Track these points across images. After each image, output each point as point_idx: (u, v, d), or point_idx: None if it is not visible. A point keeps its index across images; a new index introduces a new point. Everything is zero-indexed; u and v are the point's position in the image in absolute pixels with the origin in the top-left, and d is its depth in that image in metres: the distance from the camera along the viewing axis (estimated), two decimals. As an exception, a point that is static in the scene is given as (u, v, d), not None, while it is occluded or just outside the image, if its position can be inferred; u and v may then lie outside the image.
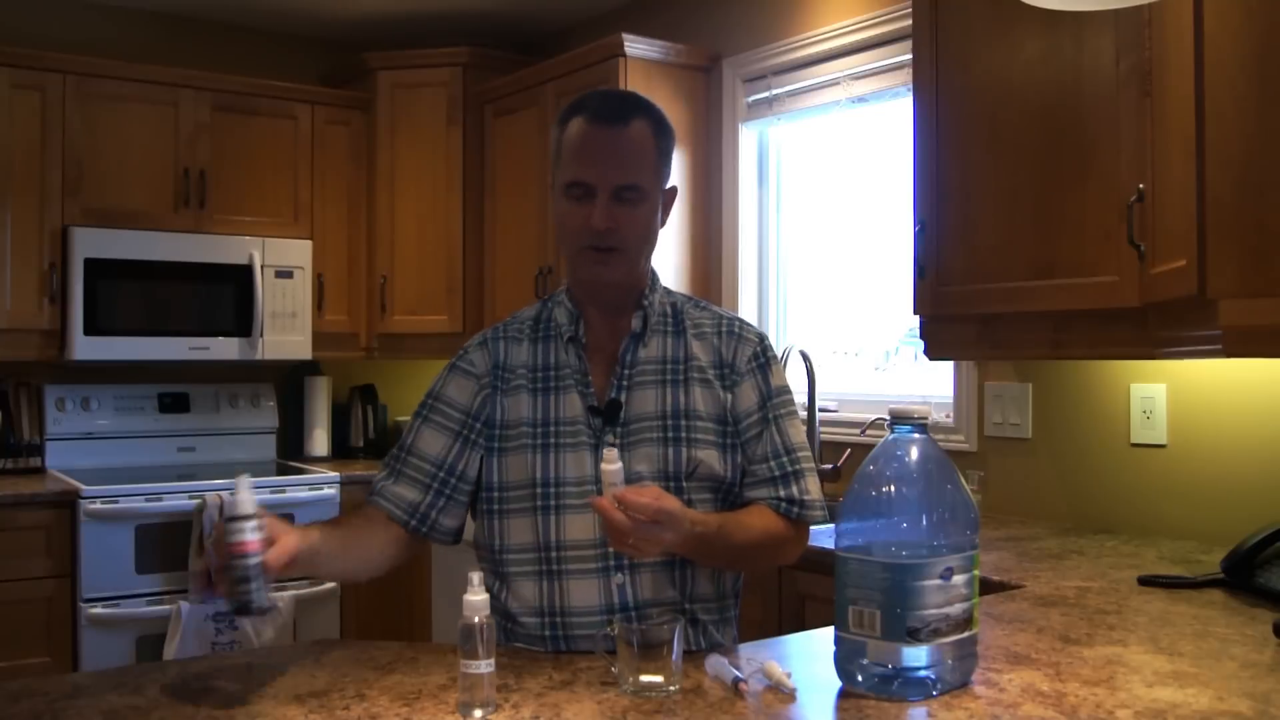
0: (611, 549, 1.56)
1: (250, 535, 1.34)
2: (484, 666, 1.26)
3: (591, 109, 1.63)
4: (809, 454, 1.70)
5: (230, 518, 1.34)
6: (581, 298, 1.70)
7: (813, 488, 1.67)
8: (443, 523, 1.68)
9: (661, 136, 1.65)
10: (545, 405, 1.65)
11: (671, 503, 1.45)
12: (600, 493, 1.45)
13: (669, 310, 1.72)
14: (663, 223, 1.69)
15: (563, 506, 1.61)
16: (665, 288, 1.75)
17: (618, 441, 1.62)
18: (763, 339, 1.73)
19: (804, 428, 1.75)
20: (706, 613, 1.66)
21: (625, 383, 1.65)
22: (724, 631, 1.70)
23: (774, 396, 1.69)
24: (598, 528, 1.56)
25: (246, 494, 1.36)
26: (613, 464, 1.43)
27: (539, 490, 1.62)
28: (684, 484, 1.61)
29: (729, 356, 1.69)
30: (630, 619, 1.57)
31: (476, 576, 1.32)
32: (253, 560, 1.34)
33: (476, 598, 1.30)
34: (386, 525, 1.67)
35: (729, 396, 1.67)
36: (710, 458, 1.64)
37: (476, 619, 1.28)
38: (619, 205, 1.59)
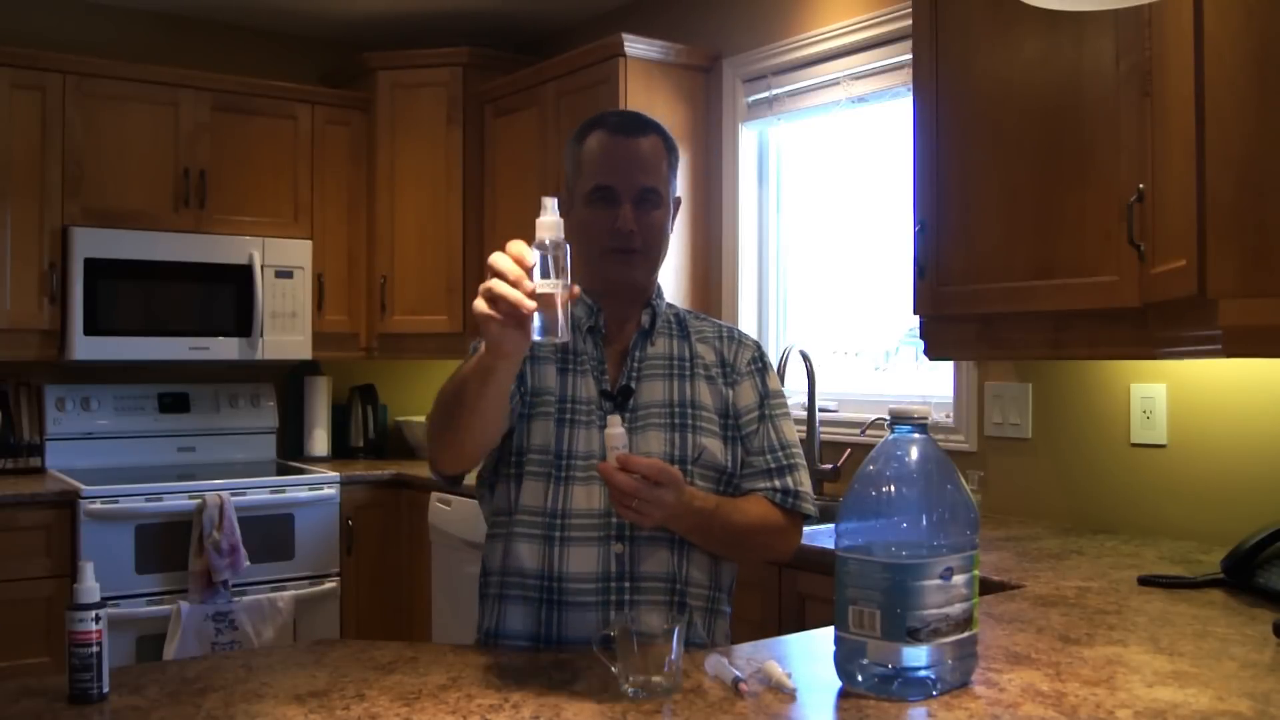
0: (614, 519, 1.63)
1: None
2: (548, 287, 1.31)
3: (610, 124, 1.76)
4: (801, 451, 1.81)
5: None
6: (597, 297, 1.77)
7: (805, 481, 1.78)
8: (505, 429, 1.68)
9: (670, 152, 1.78)
10: (565, 383, 1.73)
11: (672, 467, 1.54)
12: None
13: (673, 319, 1.83)
14: (670, 230, 1.80)
15: (571, 478, 1.68)
16: (668, 301, 1.86)
17: (626, 421, 1.67)
18: (759, 346, 1.87)
19: (795, 429, 1.84)
20: (696, 599, 1.71)
21: (635, 373, 1.75)
22: (715, 625, 1.74)
23: (771, 397, 1.81)
24: (603, 498, 1.64)
25: None
26: (615, 428, 1.51)
27: (553, 459, 1.69)
28: (690, 467, 1.70)
29: (730, 357, 1.82)
30: (624, 590, 1.64)
31: (550, 202, 1.36)
32: None
33: (549, 218, 1.34)
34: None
35: (730, 392, 1.79)
36: (714, 446, 1.73)
37: (548, 240, 1.32)
38: (641, 209, 1.70)
